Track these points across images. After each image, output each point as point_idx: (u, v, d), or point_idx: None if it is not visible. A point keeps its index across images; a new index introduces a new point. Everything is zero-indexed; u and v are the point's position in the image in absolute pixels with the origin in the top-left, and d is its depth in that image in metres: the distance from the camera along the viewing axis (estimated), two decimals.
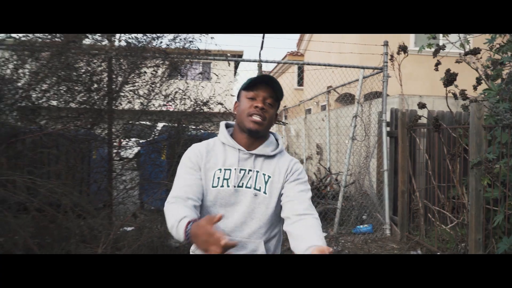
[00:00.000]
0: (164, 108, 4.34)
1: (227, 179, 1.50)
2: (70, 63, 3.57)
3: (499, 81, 4.33)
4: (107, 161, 4.22)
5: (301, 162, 12.01)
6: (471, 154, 3.79)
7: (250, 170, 1.52)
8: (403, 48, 5.31)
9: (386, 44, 5.63)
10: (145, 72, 3.84)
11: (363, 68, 5.75)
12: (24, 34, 3.56)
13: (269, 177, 1.54)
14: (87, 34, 3.83)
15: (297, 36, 19.16)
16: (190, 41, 4.14)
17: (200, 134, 4.40)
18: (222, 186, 1.50)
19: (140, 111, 4.16)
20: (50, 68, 3.50)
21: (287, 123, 13.02)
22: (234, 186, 1.50)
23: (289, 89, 18.12)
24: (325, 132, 9.16)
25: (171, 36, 4.02)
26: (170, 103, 4.20)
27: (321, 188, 6.80)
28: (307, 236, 1.38)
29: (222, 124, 1.66)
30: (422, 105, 4.41)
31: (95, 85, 3.71)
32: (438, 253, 4.53)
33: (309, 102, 13.83)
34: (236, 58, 18.13)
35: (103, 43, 3.93)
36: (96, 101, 3.83)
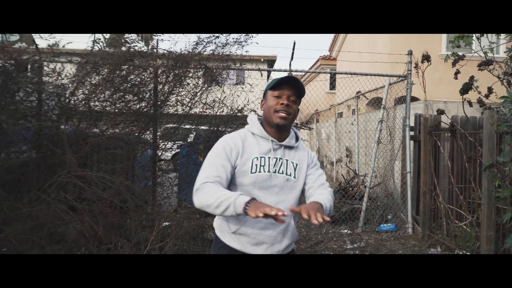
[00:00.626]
0: (200, 110, 4.88)
1: (263, 166, 1.76)
2: (125, 76, 4.17)
3: None
4: (153, 161, 4.81)
5: (332, 164, 12.34)
6: (484, 157, 4.09)
7: (280, 158, 1.80)
8: (426, 57, 5.62)
9: (410, 53, 5.94)
10: (188, 83, 4.38)
11: (388, 76, 6.09)
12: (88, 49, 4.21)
13: (297, 164, 1.84)
14: (139, 51, 4.43)
15: (327, 45, 19.37)
16: (227, 55, 4.66)
17: None
18: (259, 172, 1.75)
19: (183, 116, 4.71)
20: (109, 80, 4.10)
21: (312, 129, 13.37)
22: (270, 172, 1.77)
23: (321, 93, 18.40)
24: (354, 136, 9.48)
25: (210, 51, 4.56)
26: (209, 110, 4.73)
27: (348, 189, 7.15)
28: (316, 194, 1.79)
29: (254, 117, 1.90)
30: (440, 112, 4.73)
31: (146, 95, 4.29)
32: (456, 251, 4.81)
33: (341, 106, 14.11)
34: (268, 67, 18.64)
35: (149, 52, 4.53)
36: (146, 108, 4.42)
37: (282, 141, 1.84)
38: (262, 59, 18.07)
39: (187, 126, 5.00)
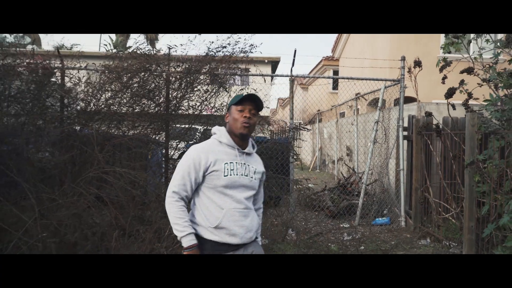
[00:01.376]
0: (209, 113, 5.34)
1: (232, 170, 2.09)
2: (143, 83, 4.64)
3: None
4: (166, 160, 5.29)
5: (333, 163, 12.78)
6: (466, 156, 4.53)
7: (244, 163, 2.15)
8: (417, 63, 6.05)
9: (403, 59, 6.39)
10: (199, 89, 4.86)
11: (384, 80, 6.53)
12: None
13: (255, 169, 2.21)
14: (155, 56, 4.90)
15: (330, 46, 19.70)
16: (234, 63, 5.13)
17: None
18: (231, 175, 2.08)
19: (193, 117, 5.18)
20: (128, 87, 4.58)
21: (310, 129, 13.85)
22: (238, 175, 2.10)
23: (324, 93, 18.84)
24: (354, 135, 9.92)
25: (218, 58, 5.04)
26: (217, 112, 5.21)
27: (347, 186, 7.61)
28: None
29: (223, 128, 2.20)
30: (428, 114, 5.17)
31: (160, 99, 4.77)
32: (444, 242, 5.25)
33: (343, 106, 14.55)
34: (272, 68, 18.88)
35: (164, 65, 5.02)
36: (160, 111, 4.90)
37: (244, 149, 2.20)
38: (266, 61, 18.54)
39: (198, 127, 5.48)
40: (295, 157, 5.82)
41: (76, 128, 4.36)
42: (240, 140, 2.16)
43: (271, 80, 15.77)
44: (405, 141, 6.49)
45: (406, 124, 6.52)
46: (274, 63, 19.63)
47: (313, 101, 12.92)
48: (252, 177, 2.18)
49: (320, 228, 6.03)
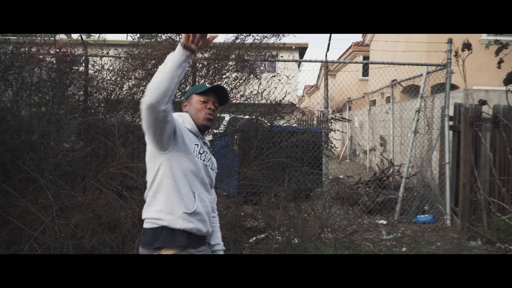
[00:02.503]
0: (234, 101, 4.98)
1: (201, 154, 1.93)
2: None
3: None
4: None
5: (365, 153, 12.24)
6: None
7: (208, 152, 2.03)
8: (467, 46, 5.48)
9: (450, 41, 5.81)
10: (228, 77, 4.50)
11: (426, 65, 5.98)
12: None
13: (213, 161, 2.08)
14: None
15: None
16: (264, 47, 4.73)
17: (274, 128, 4.96)
18: (199, 159, 1.91)
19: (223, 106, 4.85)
20: (152, 74, 4.26)
21: (350, 120, 13.31)
22: (205, 162, 1.95)
23: (354, 80, 18.12)
24: (389, 124, 9.37)
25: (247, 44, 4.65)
26: (246, 100, 4.85)
27: (383, 179, 7.12)
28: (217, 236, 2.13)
29: (187, 115, 2.01)
30: (482, 102, 4.64)
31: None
32: (498, 245, 4.75)
33: (374, 93, 13.92)
34: (299, 55, 18.33)
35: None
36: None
37: (204, 138, 2.07)
38: (293, 47, 17.97)
39: (224, 115, 5.14)
40: (331, 150, 5.38)
41: (100, 117, 4.09)
42: (202, 130, 2.05)
43: (298, 67, 15.24)
44: (451, 132, 5.94)
45: (451, 113, 5.96)
46: (301, 49, 19.04)
47: (343, 88, 12.39)
48: (213, 168, 2.07)
49: (356, 226, 5.61)
